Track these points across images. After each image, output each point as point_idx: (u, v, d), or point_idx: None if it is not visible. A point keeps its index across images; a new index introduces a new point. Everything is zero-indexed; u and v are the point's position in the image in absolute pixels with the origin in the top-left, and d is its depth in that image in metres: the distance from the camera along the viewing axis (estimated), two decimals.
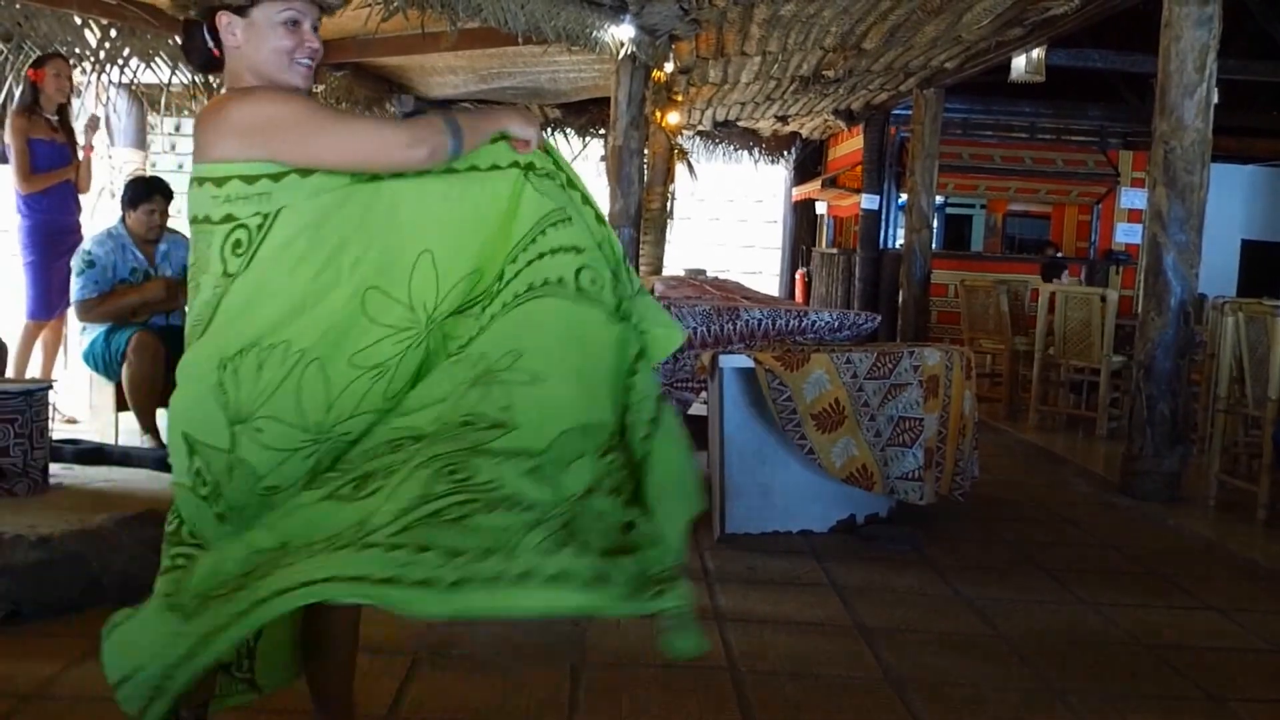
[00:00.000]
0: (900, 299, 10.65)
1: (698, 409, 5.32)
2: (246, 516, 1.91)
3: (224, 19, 1.97)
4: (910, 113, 10.60)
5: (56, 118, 5.52)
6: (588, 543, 1.78)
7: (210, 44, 1.99)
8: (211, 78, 7.51)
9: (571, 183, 2.16)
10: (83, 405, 5.11)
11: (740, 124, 13.37)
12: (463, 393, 1.94)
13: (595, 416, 1.99)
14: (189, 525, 1.95)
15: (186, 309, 2.02)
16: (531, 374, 1.95)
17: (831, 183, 13.58)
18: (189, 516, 1.95)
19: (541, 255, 2.04)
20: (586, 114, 11.02)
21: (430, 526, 1.74)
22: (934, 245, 10.74)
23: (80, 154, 5.69)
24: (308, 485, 1.92)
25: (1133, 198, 11.86)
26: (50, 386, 4.08)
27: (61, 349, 5.81)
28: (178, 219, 5.62)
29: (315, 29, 2.03)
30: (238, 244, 1.88)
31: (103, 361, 4.73)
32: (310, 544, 1.78)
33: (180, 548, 1.96)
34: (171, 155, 14.35)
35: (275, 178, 1.88)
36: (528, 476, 1.86)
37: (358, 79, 9.33)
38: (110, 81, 7.26)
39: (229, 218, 1.88)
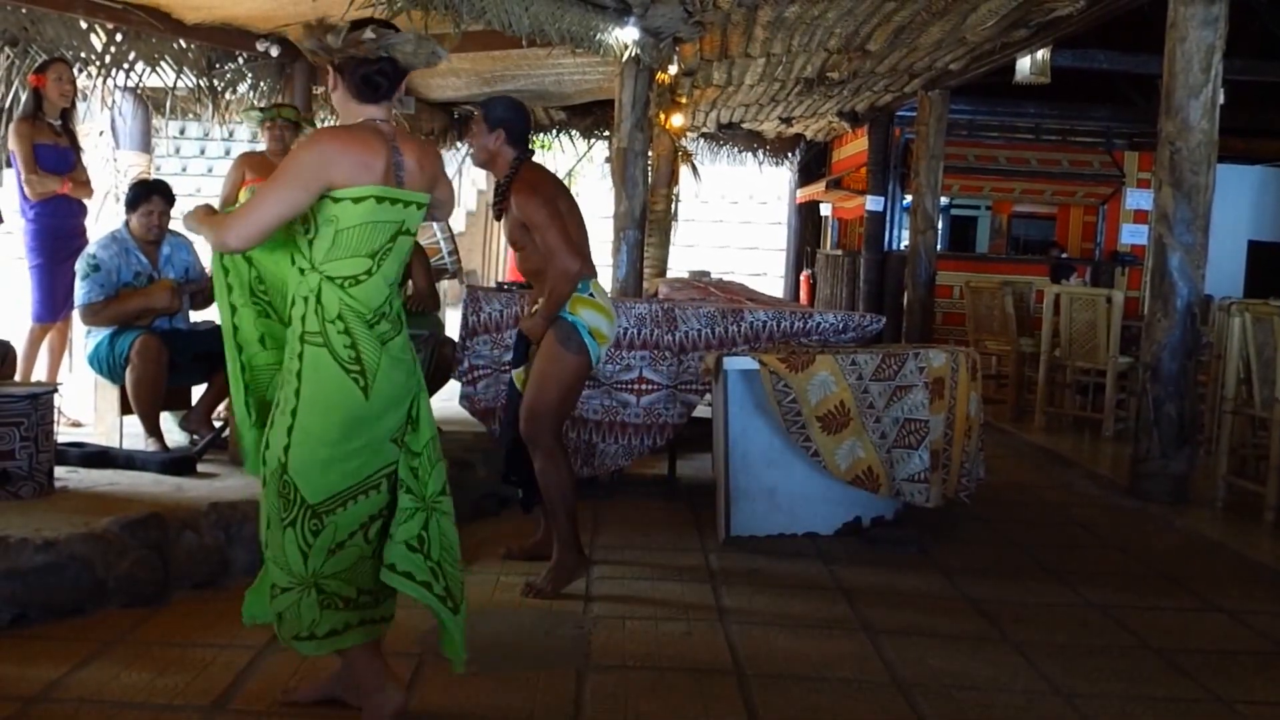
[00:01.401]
0: (905, 300, 10.64)
1: (702, 411, 5.30)
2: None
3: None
4: (915, 114, 10.59)
5: (60, 122, 5.52)
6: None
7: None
8: (215, 82, 7.60)
9: None
10: (88, 408, 5.11)
11: (744, 126, 13.36)
12: None
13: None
14: None
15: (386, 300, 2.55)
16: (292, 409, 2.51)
17: (836, 184, 13.56)
18: None
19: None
20: (591, 116, 11.00)
21: None
22: (939, 247, 10.73)
23: (82, 161, 5.69)
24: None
25: (1138, 199, 11.85)
26: (55, 390, 4.08)
27: (67, 352, 5.81)
28: (179, 221, 5.63)
29: None
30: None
31: (107, 365, 4.73)
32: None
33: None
34: (175, 158, 14.38)
35: None
36: None
37: None
38: (115, 85, 7.26)
39: None
